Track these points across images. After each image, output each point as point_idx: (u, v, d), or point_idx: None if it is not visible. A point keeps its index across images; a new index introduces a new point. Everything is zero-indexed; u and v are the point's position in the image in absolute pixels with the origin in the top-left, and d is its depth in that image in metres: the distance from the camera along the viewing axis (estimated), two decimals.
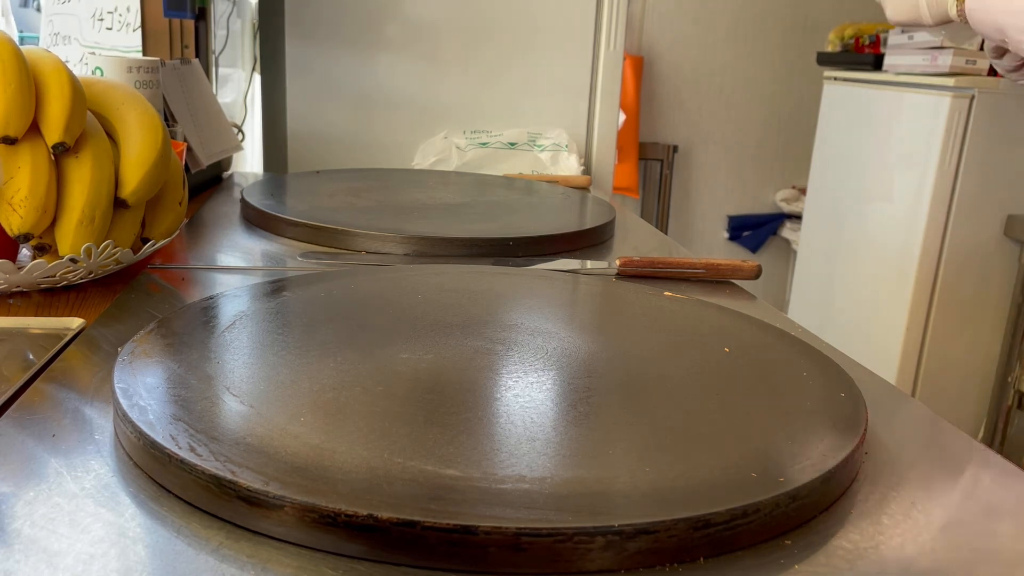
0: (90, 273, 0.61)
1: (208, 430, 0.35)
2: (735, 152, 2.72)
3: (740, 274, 0.71)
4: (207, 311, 0.51)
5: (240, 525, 0.31)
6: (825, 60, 2.31)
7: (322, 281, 0.58)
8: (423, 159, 1.25)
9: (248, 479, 0.31)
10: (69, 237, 0.58)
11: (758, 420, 0.40)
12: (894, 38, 2.00)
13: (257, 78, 1.37)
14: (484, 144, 1.26)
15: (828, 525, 0.34)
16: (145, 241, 0.65)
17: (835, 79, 2.22)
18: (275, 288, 0.56)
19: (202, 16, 1.14)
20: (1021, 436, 1.85)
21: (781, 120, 2.70)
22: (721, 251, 2.78)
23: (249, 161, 1.41)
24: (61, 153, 0.58)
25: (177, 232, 0.69)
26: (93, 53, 1.05)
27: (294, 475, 0.32)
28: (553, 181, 1.15)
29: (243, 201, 0.87)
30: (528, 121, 1.32)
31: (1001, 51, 0.79)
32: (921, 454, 0.42)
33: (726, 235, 2.78)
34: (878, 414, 0.45)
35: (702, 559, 0.31)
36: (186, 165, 0.92)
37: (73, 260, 0.58)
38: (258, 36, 1.35)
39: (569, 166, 1.24)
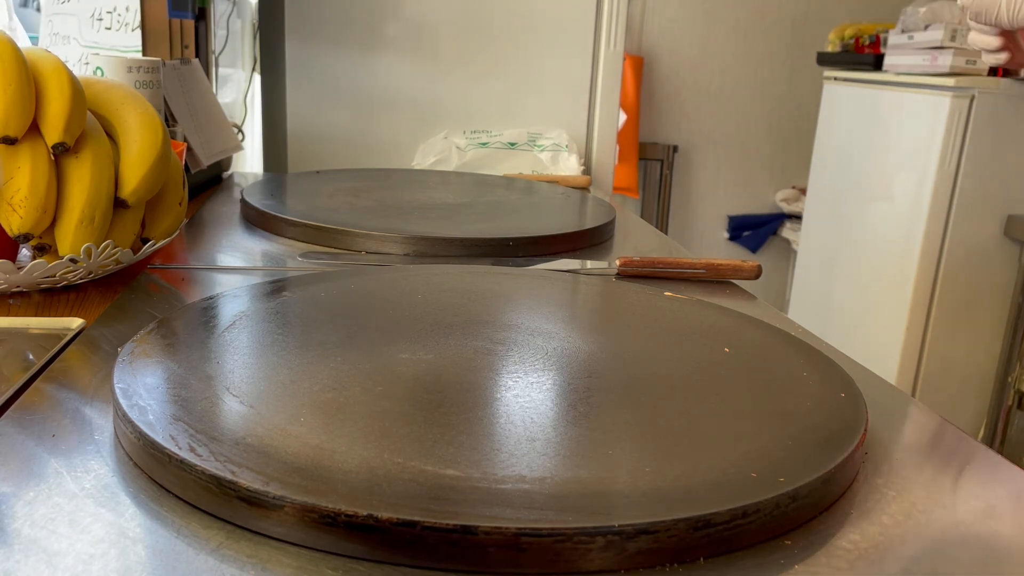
0: (90, 273, 0.60)
1: (208, 430, 0.35)
2: (735, 152, 2.72)
3: (740, 274, 0.71)
4: (207, 311, 0.51)
5: (240, 525, 0.31)
6: (825, 60, 2.31)
7: (322, 281, 0.58)
8: (423, 159, 1.25)
9: (248, 479, 0.31)
10: (69, 237, 0.58)
11: (758, 420, 0.40)
12: (894, 38, 2.00)
13: (257, 78, 1.37)
14: (484, 144, 1.26)
15: (828, 525, 0.34)
16: (145, 241, 0.65)
17: (835, 79, 2.22)
18: (275, 288, 0.56)
19: (202, 16, 1.14)
20: (1021, 436, 1.85)
21: (781, 120, 2.70)
22: (721, 251, 2.78)
23: (249, 161, 1.41)
24: (61, 153, 0.58)
25: (177, 232, 0.69)
26: (97, 54, 1.05)
27: (294, 475, 0.32)
28: (553, 181, 1.15)
29: (243, 201, 0.87)
30: (528, 121, 1.32)
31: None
32: (921, 454, 0.42)
33: (726, 235, 2.78)
34: (878, 414, 0.45)
35: (702, 559, 0.31)
36: (186, 165, 0.92)
37: (73, 260, 0.58)
38: (258, 36, 1.35)
39: (569, 166, 1.24)
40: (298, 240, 0.78)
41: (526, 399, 0.41)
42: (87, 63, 1.08)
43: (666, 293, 0.60)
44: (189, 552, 0.30)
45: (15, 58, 0.56)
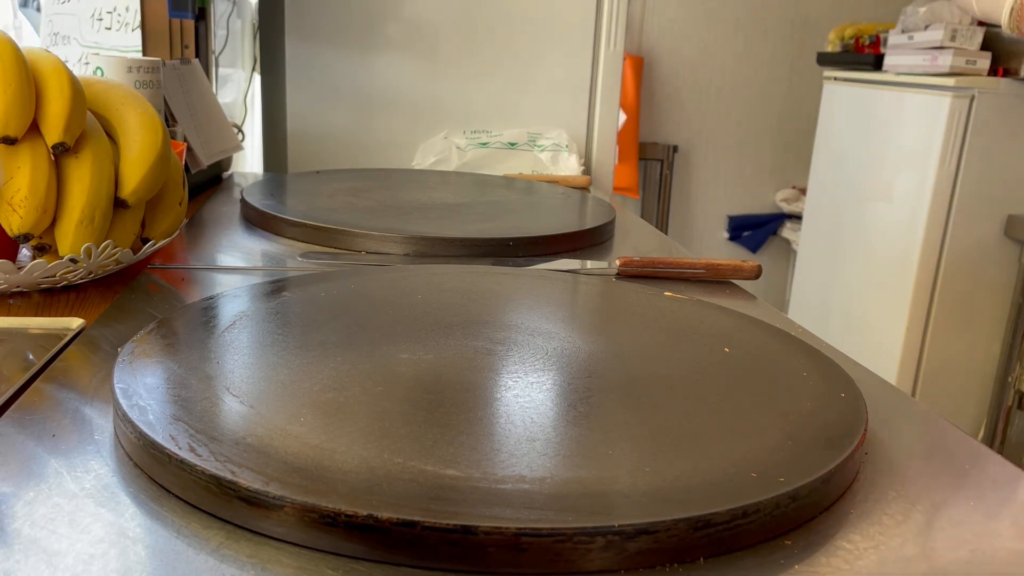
0: (90, 273, 0.60)
1: (208, 430, 0.35)
2: (735, 152, 2.72)
3: (740, 274, 0.71)
4: (207, 311, 0.51)
5: (240, 525, 0.31)
6: (825, 60, 2.31)
7: (322, 281, 0.58)
8: (423, 159, 1.25)
9: (248, 479, 0.31)
10: (69, 237, 0.58)
11: (758, 420, 0.40)
12: (894, 38, 2.00)
13: (257, 78, 1.37)
14: (484, 144, 1.26)
15: (828, 525, 0.34)
16: (145, 241, 0.65)
17: (835, 79, 2.22)
18: (275, 288, 0.56)
19: (202, 16, 1.14)
20: (1021, 436, 1.85)
21: (781, 120, 2.70)
22: (721, 251, 2.78)
23: (249, 161, 1.41)
24: (61, 153, 0.58)
25: (177, 232, 0.69)
26: (97, 54, 1.05)
27: (294, 475, 0.32)
28: (553, 181, 1.15)
29: (243, 201, 0.87)
30: (528, 121, 1.32)
31: None
32: (921, 454, 0.42)
33: (726, 235, 2.78)
34: (878, 414, 0.45)
35: (702, 559, 0.31)
36: (186, 165, 0.92)
37: (73, 260, 0.58)
38: (258, 36, 1.35)
39: (569, 166, 1.24)
40: (298, 240, 0.78)
41: (526, 399, 0.41)
42: (87, 63, 1.08)
43: (666, 293, 0.60)
44: (189, 552, 0.30)
45: (15, 58, 0.56)
